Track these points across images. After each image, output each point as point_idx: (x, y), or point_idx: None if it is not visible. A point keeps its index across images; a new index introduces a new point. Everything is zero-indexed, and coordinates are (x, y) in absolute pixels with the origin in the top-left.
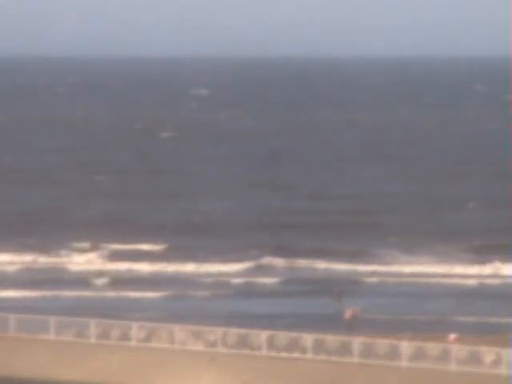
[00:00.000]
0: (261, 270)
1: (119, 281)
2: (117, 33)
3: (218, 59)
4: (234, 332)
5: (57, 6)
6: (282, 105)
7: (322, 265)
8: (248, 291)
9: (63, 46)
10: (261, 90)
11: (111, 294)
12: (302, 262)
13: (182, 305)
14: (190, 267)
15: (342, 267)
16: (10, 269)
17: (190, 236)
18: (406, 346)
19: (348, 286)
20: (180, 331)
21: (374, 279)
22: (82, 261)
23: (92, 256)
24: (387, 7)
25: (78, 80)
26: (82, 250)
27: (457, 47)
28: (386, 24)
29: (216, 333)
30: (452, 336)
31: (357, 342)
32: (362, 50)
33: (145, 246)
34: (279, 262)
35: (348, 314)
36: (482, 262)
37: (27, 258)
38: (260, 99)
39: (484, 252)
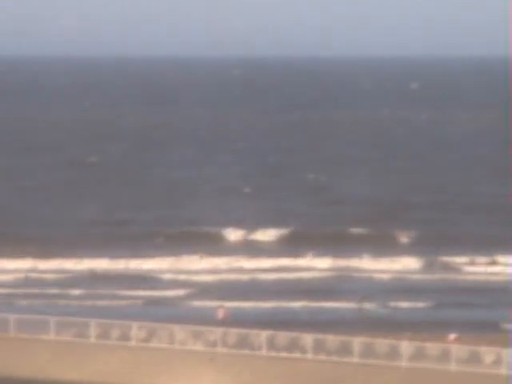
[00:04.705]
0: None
1: None
2: (116, 32)
3: (218, 59)
4: (234, 332)
5: (56, 6)
6: (282, 105)
7: None
8: None
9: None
10: (261, 90)
11: None
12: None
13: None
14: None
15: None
16: None
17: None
18: (405, 346)
19: None
20: (180, 331)
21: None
22: None
23: None
24: (387, 7)
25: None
26: None
27: (456, 47)
28: (386, 24)
29: (216, 333)
30: (452, 336)
31: (357, 341)
32: (362, 50)
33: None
34: None
35: (220, 313)
36: None
37: None
38: (260, 99)
39: None
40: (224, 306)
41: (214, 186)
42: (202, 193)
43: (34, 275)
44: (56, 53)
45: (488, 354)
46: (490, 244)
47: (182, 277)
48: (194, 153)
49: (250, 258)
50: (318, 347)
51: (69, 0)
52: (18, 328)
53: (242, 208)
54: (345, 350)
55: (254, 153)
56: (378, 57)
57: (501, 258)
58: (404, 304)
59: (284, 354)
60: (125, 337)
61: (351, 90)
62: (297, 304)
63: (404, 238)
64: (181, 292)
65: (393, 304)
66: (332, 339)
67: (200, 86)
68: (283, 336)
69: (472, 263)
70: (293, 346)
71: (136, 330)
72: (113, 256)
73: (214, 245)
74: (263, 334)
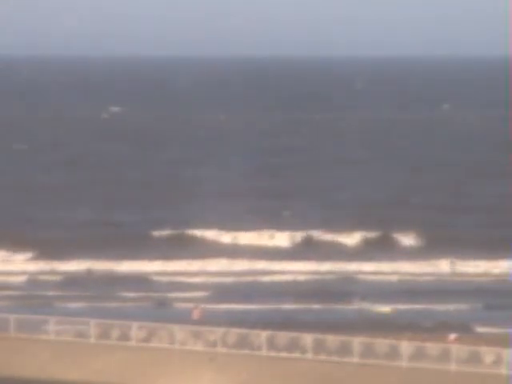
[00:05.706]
0: None
1: None
2: (116, 32)
3: (218, 59)
4: (234, 332)
5: (56, 6)
6: (282, 105)
7: None
8: None
9: (63, 46)
10: (260, 90)
11: None
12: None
13: None
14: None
15: None
16: None
17: None
18: (405, 346)
19: None
20: (180, 331)
21: None
22: None
23: None
24: (387, 7)
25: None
26: None
27: (456, 46)
28: (385, 24)
29: (216, 333)
30: (452, 336)
31: (357, 341)
32: (361, 50)
33: None
34: None
35: (195, 314)
36: None
37: None
38: (259, 99)
39: None
40: (199, 306)
41: (213, 186)
42: (201, 194)
43: (33, 276)
44: (56, 53)
45: (488, 353)
46: (489, 245)
47: (181, 278)
48: (193, 153)
49: (249, 259)
50: (318, 347)
51: (69, 0)
52: (18, 328)
53: (241, 209)
54: (345, 350)
55: (253, 153)
56: (377, 57)
57: (501, 259)
58: (404, 305)
59: (284, 354)
60: (125, 337)
61: (350, 89)
62: (297, 305)
63: (404, 239)
64: (181, 293)
65: (393, 305)
66: (332, 339)
67: (200, 85)
68: (283, 336)
69: (472, 264)
70: (293, 345)
71: (136, 330)
72: (112, 257)
73: (212, 246)
74: (263, 334)
